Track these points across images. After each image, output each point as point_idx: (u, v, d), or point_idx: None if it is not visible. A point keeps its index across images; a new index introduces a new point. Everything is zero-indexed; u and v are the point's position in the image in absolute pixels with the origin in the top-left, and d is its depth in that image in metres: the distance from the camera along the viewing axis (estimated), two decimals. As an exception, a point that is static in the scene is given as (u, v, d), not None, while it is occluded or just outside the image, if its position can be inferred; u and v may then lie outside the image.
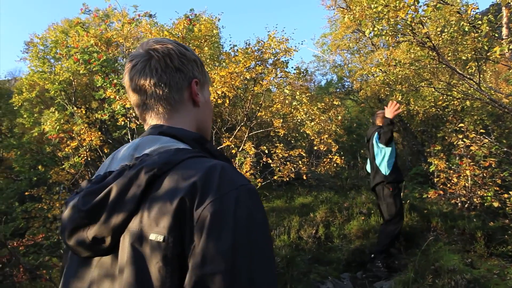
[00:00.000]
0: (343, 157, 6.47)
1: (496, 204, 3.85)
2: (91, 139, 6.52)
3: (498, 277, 3.23)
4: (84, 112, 7.85)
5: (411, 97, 7.06)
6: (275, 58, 5.71)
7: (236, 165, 5.90)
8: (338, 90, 14.72)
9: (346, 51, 13.31)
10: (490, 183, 4.49)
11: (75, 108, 7.91)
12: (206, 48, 6.46)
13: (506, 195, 3.71)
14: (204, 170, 0.69)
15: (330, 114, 6.18)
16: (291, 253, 4.28)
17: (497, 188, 4.06)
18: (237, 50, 6.08)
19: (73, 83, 8.21)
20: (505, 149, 3.76)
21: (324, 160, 6.68)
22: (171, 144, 0.78)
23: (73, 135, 6.82)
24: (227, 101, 6.20)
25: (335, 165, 6.37)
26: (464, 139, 3.67)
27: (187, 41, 6.40)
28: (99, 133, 6.92)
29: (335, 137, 7.62)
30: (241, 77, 5.49)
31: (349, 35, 11.60)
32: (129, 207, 0.68)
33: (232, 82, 5.62)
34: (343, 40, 12.02)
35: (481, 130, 3.88)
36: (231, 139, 6.21)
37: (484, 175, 4.64)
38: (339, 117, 6.37)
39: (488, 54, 3.29)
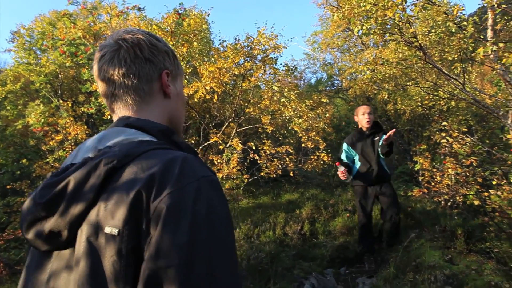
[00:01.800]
0: (330, 155, 6.51)
1: (476, 203, 3.93)
2: (76, 133, 6.44)
3: (475, 273, 3.30)
4: (70, 105, 7.73)
5: (399, 96, 7.14)
6: (264, 55, 5.71)
7: (224, 161, 5.90)
8: (327, 88, 14.79)
9: (336, 49, 13.39)
10: (473, 182, 4.58)
11: (61, 101, 7.79)
12: (195, 43, 6.42)
13: (486, 194, 3.78)
14: (164, 162, 0.67)
15: (318, 111, 6.21)
16: (275, 249, 4.30)
17: (478, 187, 4.14)
18: (226, 45, 6.06)
19: (60, 75, 8.08)
20: (486, 149, 3.84)
21: (312, 157, 6.72)
22: (135, 136, 0.77)
23: (58, 128, 6.72)
24: (216, 96, 6.19)
25: (322, 162, 6.41)
26: (447, 138, 3.72)
27: (176, 36, 6.35)
28: (85, 126, 6.83)
29: (323, 135, 7.66)
30: (230, 73, 5.48)
31: (340, 33, 11.67)
32: (86, 199, 0.67)
33: (221, 78, 5.61)
34: (333, 38, 12.08)
35: (464, 129, 3.94)
36: (218, 135, 6.20)
37: (467, 174, 4.73)
38: (327, 115, 6.40)
39: (472, 55, 3.35)
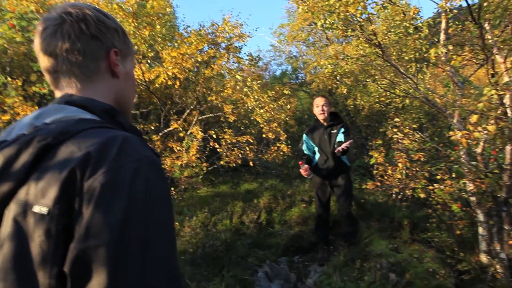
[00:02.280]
0: (289, 146, 6.62)
1: (422, 196, 4.18)
2: (26, 114, 6.06)
3: (417, 261, 3.53)
4: (20, 83, 7.24)
5: (358, 92, 7.36)
6: (229, 43, 5.65)
7: (183, 148, 5.82)
8: (292, 81, 14.93)
9: (302, 43, 13.52)
10: (421, 176, 4.87)
11: (9, 79, 7.28)
12: (158, 27, 6.22)
13: (431, 187, 4.03)
14: (103, 140, 0.65)
15: (280, 102, 6.27)
16: (231, 237, 4.33)
17: (425, 181, 4.40)
18: (190, 31, 5.94)
19: (8, 51, 7.52)
20: (434, 146, 4.07)
21: (272, 148, 6.80)
22: (76, 114, 0.73)
23: (5, 108, 6.28)
24: (178, 83, 6.06)
25: (282, 153, 6.51)
26: (399, 133, 3.91)
27: (138, 17, 6.12)
28: (37, 107, 6.44)
29: (285, 127, 7.76)
30: (193, 59, 5.38)
31: (306, 27, 11.78)
32: (15, 177, 0.63)
33: (184, 64, 5.50)
34: (299, 32, 12.19)
35: (414, 126, 4.16)
36: (179, 122, 6.10)
37: (416, 169, 5.01)
38: (288, 106, 6.48)
39: (425, 55, 3.52)
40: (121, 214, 0.58)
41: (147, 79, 5.76)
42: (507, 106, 2.43)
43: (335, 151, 3.68)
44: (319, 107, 4.06)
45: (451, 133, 2.60)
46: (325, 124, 4.11)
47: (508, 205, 3.26)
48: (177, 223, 4.60)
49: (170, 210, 0.67)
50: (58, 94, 0.83)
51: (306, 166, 3.89)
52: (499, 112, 2.35)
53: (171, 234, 0.65)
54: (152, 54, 6.36)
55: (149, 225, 0.60)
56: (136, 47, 5.78)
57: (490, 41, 2.74)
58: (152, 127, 6.80)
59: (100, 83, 0.83)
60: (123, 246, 0.57)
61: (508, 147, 3.00)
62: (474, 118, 2.24)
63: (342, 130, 3.97)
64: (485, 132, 2.52)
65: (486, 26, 2.80)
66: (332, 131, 4.07)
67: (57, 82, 0.82)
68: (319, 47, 11.81)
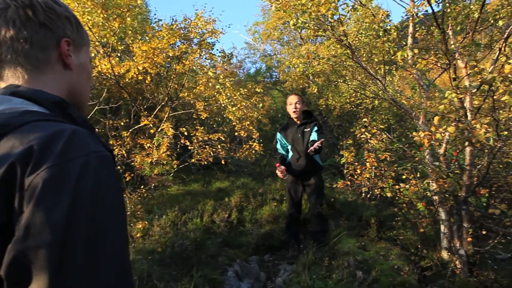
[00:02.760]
0: (262, 145, 6.64)
1: (389, 195, 4.30)
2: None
3: (383, 258, 3.64)
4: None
5: (330, 92, 7.49)
6: (201, 39, 5.59)
7: (154, 145, 5.72)
8: (266, 79, 15.01)
9: (276, 41, 13.60)
10: (388, 176, 5.02)
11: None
12: (128, 19, 6.06)
13: (397, 187, 4.16)
14: (49, 134, 0.61)
15: (252, 100, 6.27)
16: (202, 237, 4.29)
17: (392, 181, 4.54)
18: (162, 25, 5.82)
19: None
20: (401, 146, 4.21)
21: (244, 146, 6.79)
22: (22, 106, 0.68)
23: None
24: (149, 78, 5.93)
25: (254, 152, 6.52)
26: (366, 133, 4.01)
27: (108, 8, 5.93)
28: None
29: (258, 125, 7.77)
30: (164, 54, 5.28)
31: (280, 26, 11.86)
32: None
33: (155, 58, 5.38)
34: (274, 30, 12.25)
35: (381, 126, 4.28)
36: (150, 118, 5.98)
37: (385, 169, 5.17)
38: (261, 105, 6.50)
39: (392, 57, 3.63)
40: (65, 212, 0.54)
41: (116, 73, 5.61)
42: (467, 109, 2.55)
43: (308, 151, 3.71)
44: (292, 105, 4.08)
45: (414, 134, 2.68)
46: (298, 122, 4.13)
47: (467, 204, 3.42)
48: (146, 222, 4.51)
49: (122, 213, 0.64)
50: (2, 85, 0.77)
51: (282, 167, 3.91)
52: (460, 114, 2.46)
53: (122, 234, 0.62)
54: (122, 47, 6.20)
55: (97, 223, 0.57)
56: (105, 39, 5.61)
57: (452, 46, 2.86)
58: (122, 123, 6.64)
59: (50, 75, 0.78)
60: (67, 246, 0.53)
61: (467, 148, 3.14)
62: (435, 120, 2.33)
63: (315, 128, 4.00)
64: (447, 133, 2.63)
65: (449, 32, 2.93)
66: (305, 130, 4.10)
67: (2, 72, 0.76)
68: (293, 46, 11.93)
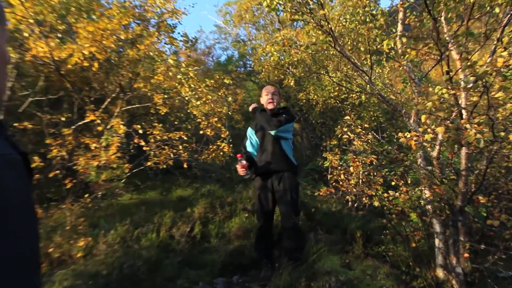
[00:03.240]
0: (231, 145, 6.61)
1: (377, 204, 4.36)
2: None
3: (370, 278, 3.67)
4: None
5: (311, 85, 7.55)
6: (160, 20, 5.50)
7: (102, 145, 5.57)
8: (239, 69, 14.99)
9: (251, 25, 13.60)
10: (377, 182, 5.09)
11: None
12: (72, -7, 5.89)
13: (385, 194, 4.22)
14: None
15: (220, 93, 6.23)
16: (157, 255, 4.21)
17: (381, 188, 4.61)
18: (113, 2, 5.68)
19: None
20: (389, 148, 4.27)
21: (211, 147, 6.74)
22: None
23: None
24: (96, 64, 5.77)
25: (222, 153, 6.47)
26: (349, 133, 4.05)
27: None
28: None
29: (229, 122, 7.72)
30: (115, 37, 5.16)
31: (255, 7, 11.86)
32: None
33: (103, 42, 5.25)
34: (248, 11, 12.24)
35: (366, 125, 4.33)
36: (97, 113, 5.82)
37: (374, 174, 5.23)
38: (230, 98, 6.46)
39: (378, 47, 3.68)
40: None
41: (56, 58, 5.42)
42: (462, 106, 2.61)
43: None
44: (268, 95, 4.09)
45: (400, 134, 2.72)
46: (270, 113, 4.12)
47: (464, 214, 3.49)
48: (89, 239, 4.39)
49: (33, 226, 0.62)
50: None
51: (244, 162, 3.88)
52: (449, 112, 2.51)
53: (31, 257, 0.60)
54: (63, 27, 6.01)
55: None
56: (41, 16, 5.41)
57: (446, 36, 2.92)
58: (63, 118, 6.42)
59: None
60: None
61: (463, 151, 3.22)
62: (422, 118, 2.37)
63: (284, 114, 4.06)
64: (439, 134, 2.68)
65: (442, 19, 2.99)
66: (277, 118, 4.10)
67: None
68: (270, 31, 11.96)
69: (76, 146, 5.95)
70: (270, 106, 4.10)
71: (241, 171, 3.88)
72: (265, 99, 4.13)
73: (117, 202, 6.04)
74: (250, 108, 4.25)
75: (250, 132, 4.30)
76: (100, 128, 5.77)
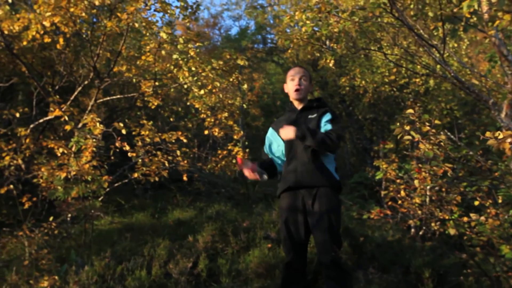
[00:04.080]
0: (247, 150, 6.61)
1: (452, 231, 4.28)
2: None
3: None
4: None
5: (358, 66, 7.49)
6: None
7: (72, 151, 5.64)
8: (256, 45, 14.99)
9: (273, -16, 13.60)
10: (453, 202, 4.99)
11: None
12: None
13: (465, 219, 4.14)
14: None
15: (232, 79, 6.23)
16: (148, 302, 4.24)
17: (457, 210, 4.52)
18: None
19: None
20: (470, 154, 4.20)
21: (220, 153, 6.74)
22: None
23: None
24: (61, 40, 5.84)
25: (235, 161, 6.47)
26: (412, 132, 3.95)
27: None
28: None
29: (243, 119, 7.72)
30: (86, 2, 5.22)
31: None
32: None
33: (71, 9, 5.31)
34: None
35: (436, 121, 4.22)
36: (64, 106, 5.89)
37: (447, 190, 5.13)
38: (245, 86, 6.46)
39: (455, 10, 3.60)
40: None
41: (7, 32, 5.50)
42: None
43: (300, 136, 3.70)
44: (294, 80, 4.00)
45: (488, 134, 2.66)
46: (299, 107, 4.07)
47: None
48: (56, 277, 4.44)
49: None
50: None
51: (250, 163, 3.86)
52: None
53: None
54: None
55: None
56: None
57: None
58: (18, 114, 6.53)
59: None
60: None
61: None
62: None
63: (329, 117, 3.94)
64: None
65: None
66: (310, 116, 4.02)
67: None
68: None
69: (37, 151, 6.03)
70: (296, 95, 4.03)
71: (250, 175, 3.85)
72: (290, 86, 4.06)
73: (94, 228, 6.09)
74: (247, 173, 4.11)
75: (270, 133, 4.26)
76: (68, 127, 5.83)
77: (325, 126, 3.85)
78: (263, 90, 13.84)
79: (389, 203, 6.02)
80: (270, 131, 4.24)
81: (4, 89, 7.23)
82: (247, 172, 3.82)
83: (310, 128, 3.63)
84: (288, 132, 3.67)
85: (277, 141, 4.20)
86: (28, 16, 5.42)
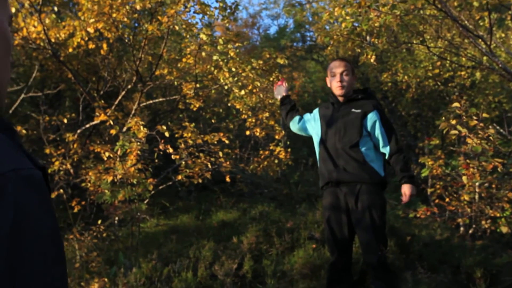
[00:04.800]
0: (289, 150, 6.58)
1: (505, 230, 4.16)
2: None
3: None
4: None
5: (399, 61, 7.36)
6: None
7: (117, 154, 5.73)
8: (295, 44, 14.95)
9: (311, -19, 13.54)
10: (504, 199, 4.84)
11: None
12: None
13: (518, 216, 4.01)
14: None
15: (272, 78, 6.22)
16: (195, 301, 4.27)
17: (507, 205, 4.39)
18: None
19: None
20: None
21: (262, 153, 6.73)
22: None
23: None
24: (105, 46, 5.95)
25: (277, 162, 6.46)
26: (459, 127, 3.85)
27: None
28: None
29: (281, 117, 7.67)
30: (128, 7, 5.29)
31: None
32: None
33: (113, 15, 5.40)
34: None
35: (484, 115, 4.11)
36: (109, 111, 6.00)
37: (498, 186, 4.99)
38: (285, 84, 6.41)
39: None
40: None
41: (53, 40, 5.64)
42: None
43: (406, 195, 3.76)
44: (336, 75, 3.95)
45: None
46: (342, 99, 4.01)
47: None
48: (105, 279, 4.52)
49: (59, 263, 0.66)
50: None
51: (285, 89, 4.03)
52: None
53: None
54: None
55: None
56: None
57: None
58: (65, 120, 6.69)
59: None
60: None
61: None
62: None
63: (376, 117, 3.87)
64: None
65: None
66: (353, 110, 3.96)
67: None
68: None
69: (84, 156, 6.17)
70: (338, 91, 3.98)
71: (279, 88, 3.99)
72: (333, 81, 4.01)
73: (140, 231, 6.18)
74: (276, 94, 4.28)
75: (315, 114, 4.24)
76: (113, 132, 5.93)
77: (374, 127, 3.81)
78: (303, 89, 13.78)
79: (436, 201, 5.91)
80: (316, 112, 4.22)
81: (53, 96, 7.42)
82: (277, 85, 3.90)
83: (409, 172, 3.73)
84: (412, 192, 3.74)
85: (316, 124, 4.17)
86: (73, 23, 5.54)
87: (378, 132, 3.81)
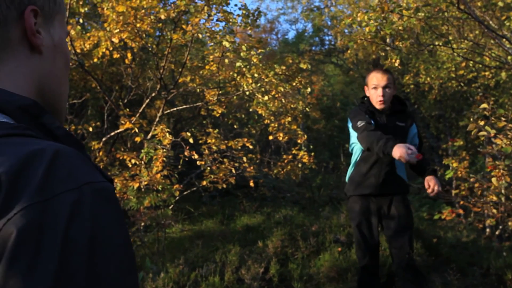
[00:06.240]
0: (312, 154, 6.58)
1: (534, 230, 4.11)
2: None
3: None
4: None
5: (422, 63, 7.33)
6: (210, -11, 5.66)
7: (142, 161, 5.79)
8: (314, 48, 14.95)
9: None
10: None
11: None
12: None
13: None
14: (21, 158, 0.62)
15: (295, 83, 6.25)
16: (223, 305, 4.29)
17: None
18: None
19: None
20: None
21: (285, 157, 6.74)
22: None
23: None
24: (130, 55, 6.03)
25: (300, 165, 6.47)
26: (487, 127, 3.82)
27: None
28: None
29: (304, 122, 7.70)
30: (152, 17, 5.36)
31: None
32: None
33: (138, 25, 5.47)
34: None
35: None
36: (134, 119, 6.07)
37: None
38: (309, 90, 6.44)
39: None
40: (51, 276, 0.55)
41: (79, 51, 5.73)
42: None
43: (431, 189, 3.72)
44: (377, 88, 3.92)
45: None
46: (384, 112, 4.02)
47: None
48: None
49: (132, 267, 0.66)
50: None
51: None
52: None
53: None
54: (86, 9, 6.36)
55: None
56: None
57: None
58: (91, 129, 6.79)
59: (12, 63, 0.80)
60: None
61: None
62: None
63: (415, 130, 3.97)
64: None
65: None
66: (398, 123, 3.97)
67: None
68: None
69: (109, 163, 6.24)
70: (379, 106, 3.96)
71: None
72: (374, 94, 3.98)
73: (166, 236, 6.24)
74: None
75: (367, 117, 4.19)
76: (138, 139, 6.00)
77: (414, 139, 3.90)
78: (322, 93, 13.80)
79: (461, 202, 5.87)
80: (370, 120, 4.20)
81: (78, 105, 7.52)
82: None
83: (432, 167, 3.76)
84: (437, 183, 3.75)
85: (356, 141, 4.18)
86: (98, 34, 5.63)
87: (414, 143, 3.85)
